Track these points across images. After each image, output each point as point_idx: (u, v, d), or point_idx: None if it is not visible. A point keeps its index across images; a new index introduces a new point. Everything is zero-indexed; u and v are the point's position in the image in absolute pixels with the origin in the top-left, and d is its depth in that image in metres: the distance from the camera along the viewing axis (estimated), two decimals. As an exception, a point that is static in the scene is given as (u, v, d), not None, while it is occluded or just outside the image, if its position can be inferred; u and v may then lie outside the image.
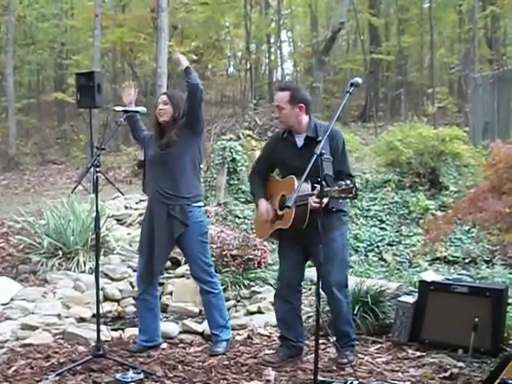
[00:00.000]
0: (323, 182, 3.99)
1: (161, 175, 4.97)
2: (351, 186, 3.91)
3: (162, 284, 6.76)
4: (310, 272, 5.41)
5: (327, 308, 5.03)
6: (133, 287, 7.19)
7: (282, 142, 4.73)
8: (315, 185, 4.07)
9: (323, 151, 3.86)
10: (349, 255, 5.26)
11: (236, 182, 10.65)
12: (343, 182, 3.97)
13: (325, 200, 4.07)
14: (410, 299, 5.21)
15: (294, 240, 4.58)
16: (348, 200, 4.29)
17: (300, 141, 4.62)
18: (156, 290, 5.29)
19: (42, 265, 7.56)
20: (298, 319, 4.86)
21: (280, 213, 4.58)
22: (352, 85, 4.10)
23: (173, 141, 4.92)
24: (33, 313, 6.13)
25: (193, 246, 5.01)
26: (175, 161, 4.94)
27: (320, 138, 4.06)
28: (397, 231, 8.87)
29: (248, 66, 27.24)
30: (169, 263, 7.22)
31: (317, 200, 4.08)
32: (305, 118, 4.63)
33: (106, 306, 6.65)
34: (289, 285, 4.76)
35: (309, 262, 4.91)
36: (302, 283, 4.97)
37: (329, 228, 4.41)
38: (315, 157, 3.83)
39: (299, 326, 4.86)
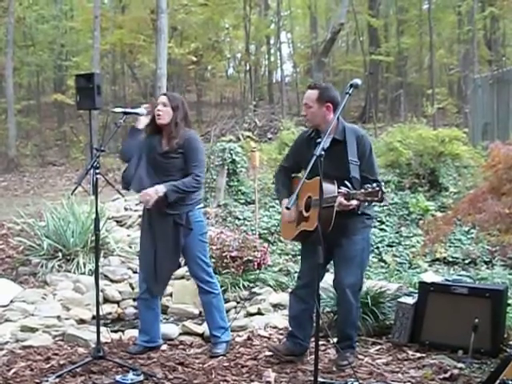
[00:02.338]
0: (349, 184, 3.99)
1: (162, 183, 4.86)
2: (377, 189, 3.90)
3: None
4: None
5: (327, 309, 5.03)
6: (133, 289, 7.19)
7: (308, 142, 4.69)
8: (341, 187, 4.08)
9: (323, 153, 3.83)
10: (368, 260, 5.22)
11: (236, 183, 10.64)
12: (369, 185, 3.97)
13: (353, 202, 4.08)
14: (410, 300, 5.21)
15: (317, 242, 4.53)
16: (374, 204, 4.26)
17: (326, 142, 4.57)
18: (161, 292, 5.28)
19: (41, 266, 7.55)
20: (310, 320, 4.83)
21: (306, 214, 4.55)
22: (351, 86, 4.10)
23: (175, 150, 4.88)
24: (33, 315, 6.12)
25: (193, 245, 4.99)
26: (178, 169, 4.90)
27: (319, 141, 4.03)
28: (396, 232, 8.87)
29: (247, 68, 27.28)
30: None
31: (344, 202, 4.09)
32: (332, 119, 4.57)
33: (106, 308, 6.65)
34: (307, 285, 4.72)
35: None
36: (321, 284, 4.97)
37: (352, 230, 4.45)
38: (314, 158, 3.81)
39: (310, 326, 4.83)
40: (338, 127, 4.57)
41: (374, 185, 3.97)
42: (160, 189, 4.77)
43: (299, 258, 5.16)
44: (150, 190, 4.79)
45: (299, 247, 5.30)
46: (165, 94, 5.06)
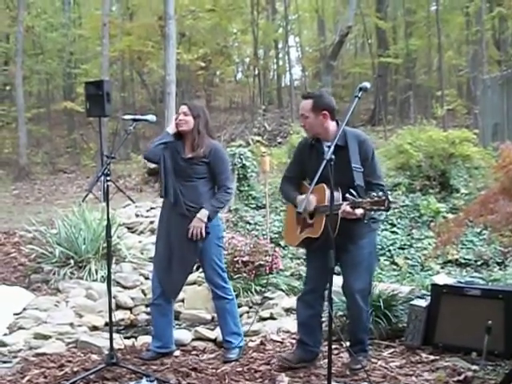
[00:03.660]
0: (354, 193, 3.97)
1: (183, 188, 4.93)
2: (383, 198, 3.85)
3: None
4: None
5: (340, 313, 5.02)
6: (145, 295, 7.20)
7: (309, 149, 4.66)
8: (347, 195, 4.02)
9: (333, 157, 3.82)
10: (376, 264, 5.20)
11: (246, 188, 10.65)
12: (375, 194, 3.92)
13: (358, 211, 4.05)
14: (423, 303, 5.19)
15: (322, 247, 4.52)
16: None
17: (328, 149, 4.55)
18: (174, 297, 5.28)
19: (54, 274, 7.58)
20: (318, 325, 4.84)
21: (310, 221, 4.52)
22: (361, 89, 4.08)
23: (199, 158, 4.90)
24: (45, 322, 6.14)
25: (209, 249, 5.00)
26: (199, 176, 4.94)
27: (328, 144, 4.00)
28: (408, 235, 8.85)
29: (256, 72, 27.35)
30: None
31: (350, 210, 4.06)
32: (331, 126, 4.54)
33: (119, 314, 6.65)
34: (314, 290, 4.73)
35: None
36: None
37: (358, 235, 4.42)
38: (325, 162, 3.81)
39: (319, 331, 4.84)
40: (339, 132, 4.54)
41: (380, 193, 3.92)
42: (203, 215, 4.89)
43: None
44: (195, 222, 4.88)
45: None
46: (185, 104, 5.08)
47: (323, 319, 5.05)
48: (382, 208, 3.89)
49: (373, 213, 4.15)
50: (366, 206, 3.92)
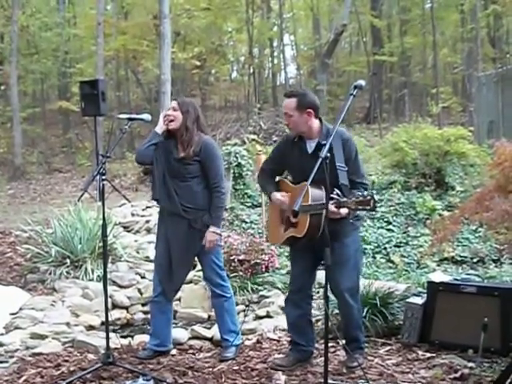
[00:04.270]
0: (339, 192, 3.95)
1: (177, 188, 4.91)
2: (369, 197, 3.82)
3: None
4: (318, 275, 5.39)
5: (336, 311, 5.02)
6: (141, 294, 7.21)
7: (292, 146, 4.63)
8: (332, 195, 3.98)
9: (328, 155, 3.82)
10: (362, 260, 5.19)
11: (242, 186, 10.66)
12: (360, 193, 3.90)
13: (343, 211, 4.03)
14: (419, 300, 5.20)
15: (306, 246, 4.51)
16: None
17: (311, 147, 4.51)
18: (172, 295, 5.27)
19: (50, 273, 7.57)
20: (309, 324, 4.84)
21: (294, 220, 4.49)
22: (356, 87, 4.07)
23: (191, 157, 4.87)
24: (42, 322, 6.13)
25: (207, 248, 4.99)
26: (193, 176, 4.91)
27: (325, 142, 3.99)
28: (404, 232, 8.87)
29: (251, 71, 27.32)
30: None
31: (335, 210, 4.03)
32: (315, 123, 4.53)
33: (115, 314, 6.66)
34: (300, 289, 4.73)
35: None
36: (313, 288, 4.96)
37: (342, 234, 4.38)
38: (320, 160, 3.80)
39: (310, 330, 4.84)
40: (322, 131, 4.52)
41: (366, 193, 3.90)
42: (214, 230, 4.91)
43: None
44: (211, 237, 4.90)
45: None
46: (175, 99, 5.08)
47: (319, 317, 5.07)
48: (368, 208, 3.85)
49: (358, 212, 4.12)
50: (352, 206, 3.89)
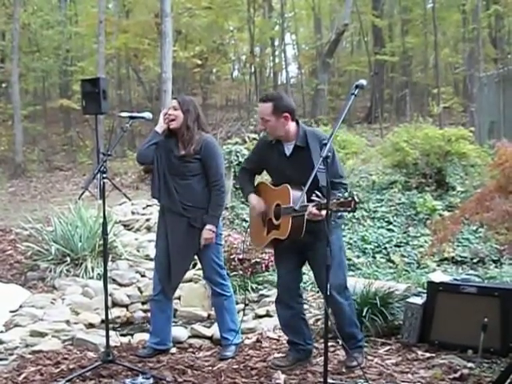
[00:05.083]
0: (320, 194, 3.94)
1: (178, 187, 4.91)
2: (349, 199, 3.81)
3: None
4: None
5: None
6: (141, 292, 7.21)
7: (270, 148, 4.63)
8: (313, 198, 3.97)
9: (329, 154, 3.82)
10: (346, 256, 5.17)
11: (242, 185, 10.65)
12: (341, 195, 3.91)
13: (324, 212, 3.97)
14: (419, 300, 5.20)
15: (290, 247, 4.52)
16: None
17: (289, 149, 4.53)
18: (172, 294, 5.28)
19: (50, 271, 7.58)
20: (302, 322, 4.83)
21: (276, 222, 4.50)
22: (357, 87, 4.06)
23: (191, 155, 4.88)
24: (42, 319, 6.14)
25: (207, 247, 4.98)
26: (194, 174, 4.91)
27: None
28: (404, 232, 8.86)
29: (252, 70, 27.29)
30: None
31: (316, 212, 4.02)
32: (292, 127, 4.52)
33: (115, 312, 6.67)
34: (288, 289, 4.73)
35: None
36: (301, 286, 4.94)
37: (324, 232, 4.37)
38: (321, 160, 3.79)
39: (305, 328, 4.84)
40: (299, 133, 4.52)
41: (346, 194, 3.91)
42: (211, 228, 4.90)
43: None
44: (207, 235, 4.90)
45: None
46: (175, 98, 5.07)
47: (319, 317, 5.06)
48: (349, 209, 3.84)
49: (339, 214, 4.09)
50: (333, 207, 3.87)
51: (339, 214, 4.32)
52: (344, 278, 4.67)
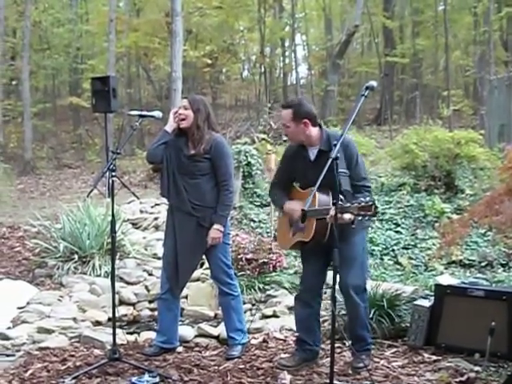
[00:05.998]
0: (342, 197, 3.97)
1: (187, 186, 4.92)
2: (370, 203, 3.84)
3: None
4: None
5: (343, 312, 5.02)
6: (148, 291, 7.21)
7: (296, 155, 4.68)
8: (335, 200, 4.00)
9: (338, 155, 3.83)
10: (368, 259, 5.20)
11: (251, 185, 10.66)
12: (362, 199, 3.92)
13: (346, 216, 4.01)
14: (426, 303, 5.19)
15: (316, 249, 4.54)
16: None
17: (313, 154, 4.56)
18: (179, 293, 5.28)
19: (57, 269, 7.59)
20: (317, 323, 4.85)
21: (301, 225, 4.47)
22: (367, 88, 4.07)
23: (201, 155, 4.88)
24: (49, 316, 6.15)
25: (215, 246, 4.98)
26: (203, 173, 4.91)
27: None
28: (412, 235, 8.84)
29: (262, 70, 27.32)
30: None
31: (338, 216, 4.01)
32: (314, 132, 4.56)
33: (122, 310, 6.67)
34: (311, 289, 4.75)
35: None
36: (324, 287, 4.96)
37: (350, 232, 4.39)
38: (330, 160, 3.81)
39: (318, 330, 4.85)
40: (323, 137, 4.55)
41: (367, 199, 3.93)
42: (218, 227, 4.91)
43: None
44: (214, 234, 4.90)
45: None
46: (186, 97, 5.08)
47: (326, 318, 5.06)
48: (369, 213, 3.87)
49: (360, 219, 4.09)
50: (354, 211, 3.91)
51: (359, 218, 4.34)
52: (364, 280, 4.70)
